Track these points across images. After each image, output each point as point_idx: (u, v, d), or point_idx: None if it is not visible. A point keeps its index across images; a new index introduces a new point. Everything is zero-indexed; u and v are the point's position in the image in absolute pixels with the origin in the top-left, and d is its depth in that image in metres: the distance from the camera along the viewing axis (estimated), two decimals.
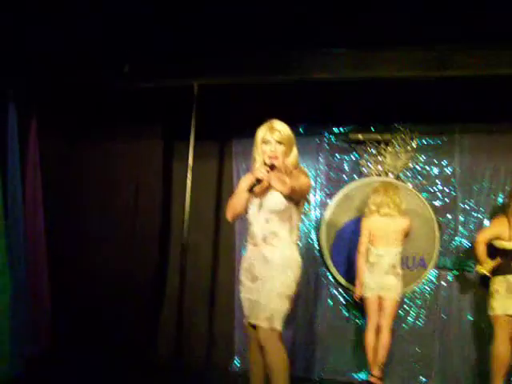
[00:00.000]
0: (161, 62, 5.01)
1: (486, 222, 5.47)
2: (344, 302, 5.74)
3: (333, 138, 5.88)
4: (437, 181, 5.70)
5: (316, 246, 5.84)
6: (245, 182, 3.61)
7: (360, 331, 5.52)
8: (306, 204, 3.75)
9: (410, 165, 5.74)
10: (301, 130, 5.68)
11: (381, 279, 5.14)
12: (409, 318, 5.60)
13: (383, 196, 5.28)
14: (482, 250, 4.93)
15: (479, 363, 5.31)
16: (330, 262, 5.75)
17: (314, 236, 5.85)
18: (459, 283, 5.54)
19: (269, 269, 3.50)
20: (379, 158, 5.80)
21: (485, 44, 4.46)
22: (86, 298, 5.58)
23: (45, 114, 5.34)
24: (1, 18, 4.38)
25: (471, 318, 5.47)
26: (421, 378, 5.48)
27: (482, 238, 4.95)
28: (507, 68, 4.48)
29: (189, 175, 5.18)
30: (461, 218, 5.58)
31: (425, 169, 5.73)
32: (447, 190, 5.66)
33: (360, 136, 5.75)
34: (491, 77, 4.71)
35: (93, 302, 5.60)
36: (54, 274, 5.42)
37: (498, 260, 4.90)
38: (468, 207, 5.57)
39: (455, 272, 5.55)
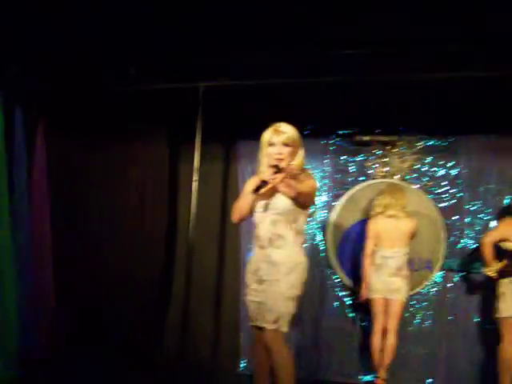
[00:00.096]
0: (166, 65, 5.01)
1: (493, 224, 5.45)
2: (350, 304, 5.73)
3: (339, 140, 5.87)
4: (443, 182, 5.69)
5: (322, 247, 5.83)
6: (251, 184, 3.62)
7: (366, 333, 5.51)
8: (311, 206, 3.75)
9: (416, 166, 5.73)
10: (306, 131, 5.66)
11: (387, 281, 5.14)
12: (415, 319, 5.58)
13: (389, 198, 5.28)
14: (488, 252, 4.91)
15: (486, 365, 5.29)
16: (335, 264, 5.74)
17: (319, 238, 5.85)
18: (465, 285, 5.53)
19: (275, 271, 3.50)
20: (385, 160, 5.79)
21: (491, 44, 4.44)
22: (92, 299, 5.58)
23: (51, 116, 5.35)
24: (7, 19, 4.39)
25: (478, 320, 5.45)
26: (427, 380, 5.47)
27: (489, 240, 4.94)
28: None
29: (194, 177, 5.19)
30: (467, 220, 5.57)
31: (431, 170, 5.72)
32: (453, 192, 5.65)
33: (366, 138, 5.75)
34: (498, 78, 4.69)
35: (98, 303, 5.60)
36: (59, 275, 5.43)
37: (505, 262, 4.88)
38: (474, 209, 5.56)
39: (461, 274, 5.54)
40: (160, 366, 5.58)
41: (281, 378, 3.45)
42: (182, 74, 5.03)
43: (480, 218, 5.54)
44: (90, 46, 4.76)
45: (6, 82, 4.80)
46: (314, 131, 5.62)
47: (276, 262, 3.50)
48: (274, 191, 3.52)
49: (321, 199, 5.84)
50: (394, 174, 5.74)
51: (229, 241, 6.01)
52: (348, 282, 5.71)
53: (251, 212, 3.65)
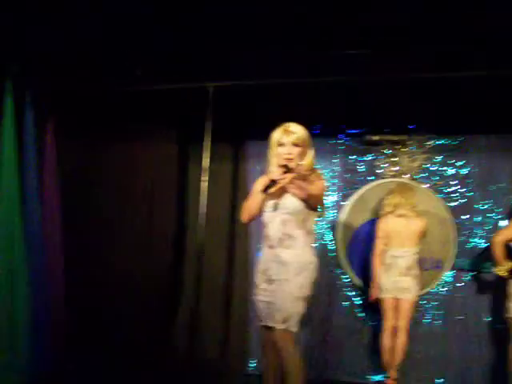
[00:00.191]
0: (175, 65, 5.02)
1: (503, 223, 5.42)
2: (359, 304, 5.73)
3: (348, 140, 5.86)
4: (453, 181, 5.67)
5: (331, 247, 5.83)
6: (260, 183, 3.62)
7: (376, 333, 5.50)
8: (319, 208, 3.75)
9: (426, 165, 5.72)
10: (316, 131, 5.66)
11: (397, 280, 5.13)
12: (425, 319, 5.57)
13: (399, 197, 5.27)
14: (499, 251, 4.89)
15: (496, 365, 5.27)
16: (345, 264, 5.73)
17: (329, 237, 5.84)
18: (476, 285, 5.51)
19: (285, 271, 3.50)
20: (394, 159, 5.78)
21: (501, 42, 4.43)
22: (100, 299, 5.60)
23: (61, 115, 5.37)
24: (13, 18, 4.41)
25: (488, 320, 5.43)
26: (437, 379, 5.46)
27: (499, 239, 4.91)
28: None
29: (203, 177, 5.19)
30: (477, 219, 5.55)
31: (440, 169, 5.71)
32: (463, 191, 5.63)
33: (375, 137, 5.74)
34: (509, 76, 4.67)
35: (107, 303, 5.61)
36: (69, 274, 5.44)
37: None
38: (484, 208, 5.54)
39: (472, 273, 5.52)
40: (169, 366, 5.58)
41: (290, 378, 3.45)
42: (191, 74, 5.03)
43: (490, 217, 5.53)
44: (101, 45, 4.78)
45: (16, 81, 4.82)
46: (323, 131, 5.62)
47: (285, 261, 3.50)
48: (283, 191, 3.53)
49: (330, 199, 5.83)
50: (403, 174, 5.73)
51: (238, 241, 6.01)
52: (358, 281, 5.70)
53: (260, 212, 3.65)
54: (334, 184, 5.83)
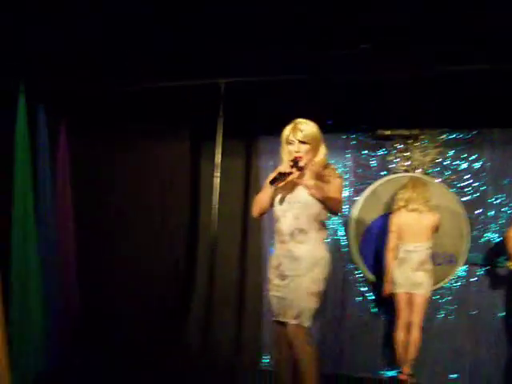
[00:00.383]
0: (187, 62, 5.02)
1: None
2: (373, 299, 5.72)
3: (360, 135, 5.85)
4: (466, 176, 5.64)
5: (344, 242, 5.82)
6: (270, 177, 3.63)
7: (389, 328, 5.50)
8: (338, 212, 3.77)
9: (439, 160, 5.69)
10: (327, 126, 5.65)
11: (411, 275, 5.12)
12: (439, 314, 5.56)
13: (412, 192, 5.25)
14: None
15: (510, 360, 5.25)
16: (358, 259, 5.73)
17: (342, 232, 5.84)
18: (490, 279, 5.49)
19: (297, 266, 3.50)
20: (407, 154, 5.76)
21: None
22: (114, 295, 5.63)
23: (74, 115, 5.40)
24: (26, 20, 4.43)
25: (502, 315, 5.41)
26: (451, 375, 5.44)
27: None
28: None
29: (216, 173, 5.20)
30: (491, 213, 5.53)
31: (453, 164, 5.68)
32: (477, 185, 5.60)
33: (387, 132, 5.72)
34: None
35: (121, 299, 5.65)
36: (82, 271, 5.47)
37: None
38: (498, 202, 5.51)
39: (485, 268, 5.49)
40: (182, 362, 5.60)
41: (304, 373, 3.46)
42: (203, 71, 5.04)
43: (504, 212, 5.50)
44: (112, 45, 4.79)
45: (29, 82, 4.84)
46: (335, 126, 5.60)
47: (298, 257, 3.50)
48: (295, 185, 3.53)
49: (343, 194, 5.81)
50: (416, 168, 5.72)
51: (251, 236, 6.01)
52: (371, 276, 5.69)
53: (271, 206, 3.66)
54: (346, 179, 5.81)
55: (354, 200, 5.81)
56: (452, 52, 4.54)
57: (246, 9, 4.22)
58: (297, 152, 3.53)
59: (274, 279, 3.60)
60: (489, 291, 5.47)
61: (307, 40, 4.59)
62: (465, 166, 5.66)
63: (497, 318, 5.42)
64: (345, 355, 5.67)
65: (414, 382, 5.10)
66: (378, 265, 5.61)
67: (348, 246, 5.79)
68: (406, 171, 5.72)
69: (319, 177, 3.50)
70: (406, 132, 5.73)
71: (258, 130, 5.95)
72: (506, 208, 5.49)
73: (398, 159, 5.78)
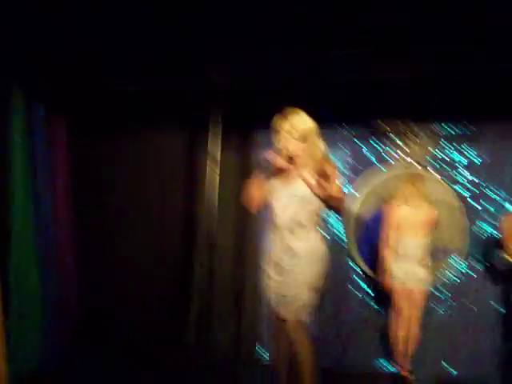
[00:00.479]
0: (184, 55, 5.01)
1: None
2: (371, 294, 5.72)
3: (358, 129, 5.84)
4: (465, 171, 5.64)
5: (342, 237, 5.82)
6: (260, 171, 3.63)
7: (388, 323, 5.50)
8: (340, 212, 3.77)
9: (437, 154, 5.69)
10: (325, 121, 5.63)
11: (409, 270, 5.12)
12: (438, 309, 5.55)
13: (410, 186, 5.25)
14: (510, 240, 4.86)
15: (510, 354, 5.25)
16: (356, 254, 5.73)
17: (340, 227, 5.83)
18: (488, 273, 5.48)
19: (295, 261, 3.50)
20: (406, 149, 5.75)
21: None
22: (112, 291, 5.63)
23: (72, 113, 5.39)
24: (26, 20, 4.42)
25: (501, 309, 5.41)
26: (450, 369, 5.44)
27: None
28: None
29: (214, 167, 5.18)
30: (489, 208, 5.52)
31: (452, 159, 5.67)
32: (475, 180, 5.60)
33: (386, 126, 5.71)
34: None
35: (120, 295, 5.64)
36: (81, 268, 5.47)
37: None
38: (496, 197, 5.51)
39: (484, 262, 5.49)
40: (181, 357, 5.60)
41: (302, 368, 3.46)
42: (200, 63, 5.02)
43: (502, 206, 5.49)
44: (107, 42, 4.78)
45: (27, 81, 4.83)
46: (332, 119, 5.60)
47: (296, 252, 3.50)
48: (293, 180, 3.52)
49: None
50: (414, 163, 5.71)
51: (249, 230, 6.00)
52: (369, 272, 5.68)
53: (265, 199, 3.66)
54: (343, 173, 5.80)
55: (353, 195, 5.79)
56: (451, 48, 4.54)
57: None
58: (284, 144, 3.52)
59: (272, 274, 3.60)
60: (488, 286, 5.47)
61: (304, 34, 4.58)
62: (464, 160, 5.65)
63: (496, 312, 5.42)
64: (343, 350, 5.67)
65: (413, 378, 5.09)
66: (376, 260, 5.59)
67: (346, 240, 5.78)
68: (405, 166, 5.71)
69: (322, 174, 3.48)
70: (404, 127, 5.71)
71: (255, 124, 5.93)
72: (504, 202, 5.49)
73: (396, 154, 5.77)
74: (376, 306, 5.70)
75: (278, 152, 3.52)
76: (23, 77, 4.79)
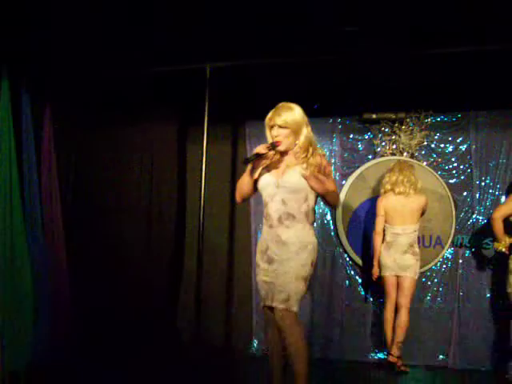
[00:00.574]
0: (172, 46, 4.98)
1: (503, 199, 5.43)
2: (361, 282, 5.74)
3: (346, 119, 5.85)
4: (452, 158, 5.68)
5: (332, 226, 5.83)
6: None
7: (378, 311, 5.53)
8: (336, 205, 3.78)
9: (425, 143, 5.71)
10: (314, 110, 5.64)
11: (398, 258, 5.15)
12: (426, 296, 5.59)
13: (398, 175, 5.26)
14: (498, 227, 4.89)
15: (498, 340, 5.30)
16: (346, 243, 5.75)
17: (329, 217, 5.85)
18: (476, 261, 5.52)
19: (285, 250, 3.50)
20: (394, 137, 5.77)
21: (500, 18, 4.39)
22: (102, 285, 5.60)
23: (58, 100, 5.34)
24: (12, 3, 4.37)
25: (489, 296, 5.45)
26: (440, 355, 5.49)
27: (499, 215, 4.91)
28: None
29: (203, 158, 5.17)
30: (477, 196, 5.55)
31: (440, 146, 5.71)
32: (463, 168, 5.63)
33: (374, 115, 5.72)
34: (505, 51, 4.65)
35: (110, 287, 5.62)
36: (71, 261, 5.44)
37: None
38: (484, 184, 5.54)
39: (472, 249, 5.53)
40: (173, 348, 5.61)
41: (294, 357, 3.46)
42: (189, 56, 5.00)
43: (490, 194, 5.53)
44: (95, 29, 4.73)
45: (13, 68, 4.78)
46: (322, 110, 5.60)
47: (286, 241, 3.49)
48: (283, 170, 3.53)
49: None
50: (402, 151, 5.73)
51: (239, 221, 6.02)
52: (358, 260, 5.71)
53: (252, 191, 3.67)
54: (332, 163, 5.81)
55: (341, 184, 5.81)
56: (438, 34, 4.54)
57: None
58: (276, 136, 3.53)
59: (261, 264, 3.60)
60: (476, 273, 5.51)
61: (295, 21, 4.56)
62: (451, 148, 5.68)
63: (484, 298, 5.46)
64: (334, 339, 5.69)
65: (403, 364, 5.13)
66: (365, 248, 5.63)
67: (336, 230, 5.80)
68: (393, 154, 5.74)
69: (319, 168, 3.48)
70: (392, 115, 5.73)
71: (244, 115, 5.93)
72: (492, 190, 5.52)
73: (384, 143, 5.79)
74: (365, 294, 5.73)
75: (266, 144, 3.53)
76: (9, 65, 4.74)
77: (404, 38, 4.62)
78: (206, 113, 5.13)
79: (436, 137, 5.71)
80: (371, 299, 5.70)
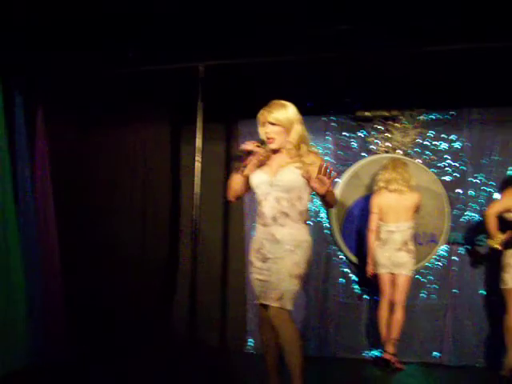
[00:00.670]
0: (166, 45, 4.98)
1: (497, 196, 5.45)
2: (356, 280, 5.75)
3: (340, 116, 5.85)
4: (446, 156, 5.68)
5: (326, 224, 5.84)
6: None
7: (373, 308, 5.54)
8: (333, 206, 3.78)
9: (419, 140, 5.72)
10: (307, 108, 5.63)
11: (393, 256, 5.16)
12: (421, 293, 5.60)
13: (392, 172, 5.27)
14: (492, 224, 4.91)
15: (492, 336, 5.32)
16: (340, 241, 5.75)
17: (323, 215, 5.85)
18: (470, 258, 5.54)
19: (279, 249, 3.51)
20: (387, 135, 5.78)
21: (492, 15, 4.40)
22: (96, 282, 5.59)
23: (51, 99, 5.33)
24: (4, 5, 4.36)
25: (483, 292, 5.47)
26: (434, 353, 5.50)
27: (492, 212, 4.93)
28: None
29: (197, 157, 5.17)
30: (471, 193, 5.57)
31: (433, 144, 5.71)
32: (456, 165, 5.64)
33: (367, 113, 5.73)
34: (498, 49, 4.65)
35: (104, 286, 5.62)
36: (65, 258, 5.42)
37: (509, 233, 4.89)
38: (478, 181, 5.55)
39: (466, 246, 5.54)
40: (167, 347, 5.61)
41: (289, 355, 3.47)
42: (182, 55, 4.99)
43: (484, 191, 5.54)
44: (88, 27, 4.72)
45: (5, 68, 4.77)
46: (315, 108, 5.61)
47: (280, 239, 3.51)
48: (278, 168, 3.53)
49: None
50: (396, 149, 5.74)
51: (233, 220, 6.01)
52: (353, 258, 5.72)
53: (244, 188, 3.68)
54: (326, 161, 5.80)
55: (335, 182, 5.81)
56: (432, 32, 4.54)
57: None
58: (267, 133, 3.54)
59: (255, 262, 3.60)
60: (470, 269, 5.53)
61: (287, 19, 4.56)
62: (444, 146, 5.69)
63: (478, 295, 5.48)
64: (329, 336, 5.70)
65: (398, 361, 5.14)
66: (360, 246, 5.64)
67: (330, 227, 5.80)
68: (387, 152, 5.74)
69: (320, 169, 3.47)
70: (385, 113, 5.74)
71: (238, 113, 5.93)
72: (486, 187, 5.54)
73: (378, 140, 5.79)
74: (360, 292, 5.74)
75: (253, 141, 3.54)
76: (1, 67, 4.72)
77: (398, 36, 4.61)
78: (199, 112, 5.13)
79: (429, 134, 5.72)
80: (366, 297, 5.71)
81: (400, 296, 5.16)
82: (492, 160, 5.54)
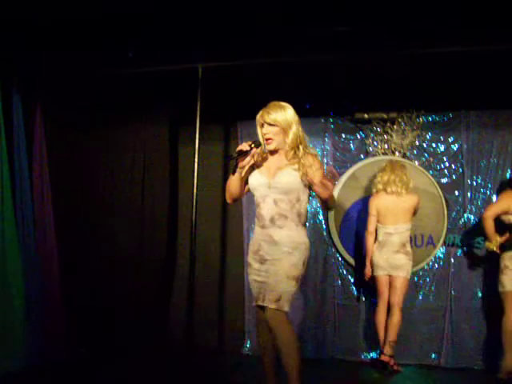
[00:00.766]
0: (165, 46, 4.98)
1: (494, 198, 5.45)
2: (353, 282, 5.75)
3: (338, 118, 5.86)
4: (444, 158, 5.69)
5: (324, 226, 5.84)
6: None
7: (370, 310, 5.54)
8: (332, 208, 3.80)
9: (417, 142, 5.73)
10: (306, 110, 5.64)
11: (391, 258, 5.16)
12: (419, 295, 5.60)
13: (390, 174, 5.27)
14: (489, 226, 4.91)
15: (490, 339, 5.32)
16: (338, 243, 5.75)
17: (321, 217, 5.85)
18: (468, 260, 5.54)
19: (277, 251, 3.50)
20: (385, 137, 5.78)
21: (490, 19, 4.41)
22: (95, 282, 5.59)
23: (50, 100, 5.33)
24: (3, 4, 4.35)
25: (481, 295, 5.47)
26: (432, 354, 5.50)
27: (490, 214, 4.94)
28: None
29: (195, 158, 5.17)
30: (468, 195, 5.57)
31: (431, 146, 5.72)
32: (454, 167, 5.65)
33: (366, 115, 5.73)
34: (497, 51, 4.67)
35: (103, 286, 5.62)
36: (63, 258, 5.42)
37: (507, 235, 4.89)
38: (475, 184, 5.56)
39: (464, 248, 5.55)
40: (165, 349, 5.60)
41: (286, 357, 3.47)
42: (181, 56, 4.99)
43: (481, 193, 5.55)
44: (88, 27, 4.72)
45: (3, 68, 4.77)
46: (314, 110, 5.61)
47: (278, 241, 3.50)
48: (276, 170, 3.53)
49: None
50: (394, 151, 5.74)
51: (231, 222, 6.01)
52: (351, 260, 5.71)
53: (241, 190, 3.68)
54: (325, 163, 5.82)
55: (333, 184, 5.81)
56: (430, 35, 4.55)
57: None
58: (266, 134, 3.55)
59: (253, 263, 3.60)
60: (468, 272, 5.53)
61: (286, 21, 4.56)
62: (442, 148, 5.70)
63: (476, 297, 5.48)
64: (327, 338, 5.69)
65: (395, 363, 5.14)
66: (358, 248, 5.64)
67: (328, 229, 5.80)
68: (385, 154, 5.74)
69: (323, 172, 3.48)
70: (384, 115, 5.74)
71: (237, 115, 5.93)
72: (484, 189, 5.54)
73: (376, 142, 5.80)
74: (358, 294, 5.73)
75: (248, 142, 3.55)
76: None
77: (396, 38, 4.62)
78: (198, 113, 5.13)
79: (428, 136, 5.73)
80: (363, 299, 5.71)
81: (397, 298, 5.15)
82: (490, 162, 5.55)
